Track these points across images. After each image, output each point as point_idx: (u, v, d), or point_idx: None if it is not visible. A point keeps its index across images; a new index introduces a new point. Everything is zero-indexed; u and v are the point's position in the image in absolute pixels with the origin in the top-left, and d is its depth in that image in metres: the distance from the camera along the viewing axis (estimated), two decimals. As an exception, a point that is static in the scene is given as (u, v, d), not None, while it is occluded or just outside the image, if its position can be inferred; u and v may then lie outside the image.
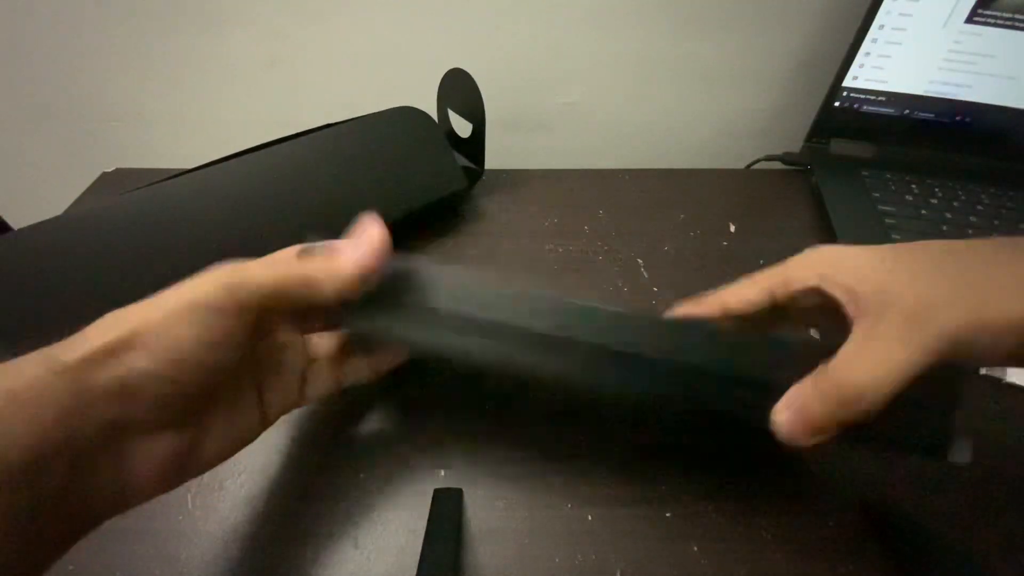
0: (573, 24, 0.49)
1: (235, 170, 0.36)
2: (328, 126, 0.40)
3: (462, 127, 0.44)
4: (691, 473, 0.28)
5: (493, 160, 0.45)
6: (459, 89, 0.41)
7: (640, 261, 0.41)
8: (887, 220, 0.42)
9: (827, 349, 0.20)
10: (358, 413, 0.30)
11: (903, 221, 0.41)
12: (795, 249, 0.23)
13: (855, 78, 0.45)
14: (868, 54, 0.44)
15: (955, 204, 0.43)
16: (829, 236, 0.42)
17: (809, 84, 0.50)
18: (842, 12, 0.46)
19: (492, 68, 0.43)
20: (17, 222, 0.33)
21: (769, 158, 0.50)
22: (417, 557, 0.23)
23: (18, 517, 0.15)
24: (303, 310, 0.24)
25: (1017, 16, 0.40)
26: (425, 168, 0.41)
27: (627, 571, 0.25)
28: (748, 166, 0.52)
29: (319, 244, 0.25)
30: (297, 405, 0.24)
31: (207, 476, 0.21)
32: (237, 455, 0.22)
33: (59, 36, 0.50)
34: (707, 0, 0.47)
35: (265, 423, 0.23)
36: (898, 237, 0.40)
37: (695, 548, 0.25)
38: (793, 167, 0.50)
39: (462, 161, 0.44)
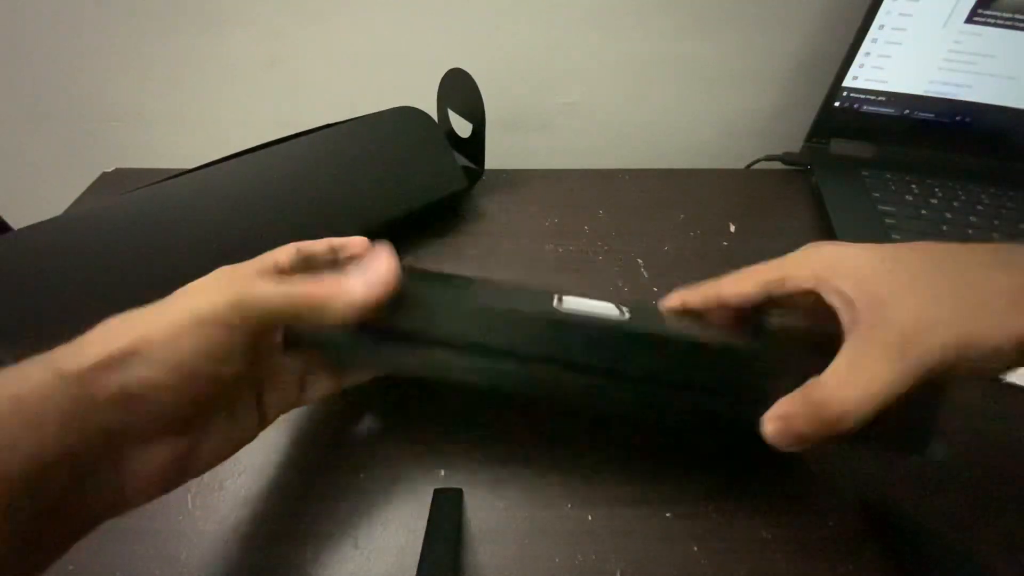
0: (573, 24, 0.49)
1: (235, 170, 0.36)
2: (328, 126, 0.40)
3: (462, 127, 0.44)
4: (691, 473, 0.28)
5: (493, 160, 0.45)
6: (459, 89, 0.41)
7: (640, 261, 0.41)
8: (887, 220, 0.42)
9: (817, 353, 0.21)
10: (358, 413, 0.30)
11: (903, 221, 0.41)
12: (795, 249, 0.23)
13: (855, 78, 0.45)
14: (868, 54, 0.44)
15: (955, 204, 0.43)
16: (829, 236, 0.42)
17: (809, 84, 0.50)
18: (842, 12, 0.46)
19: (492, 68, 0.43)
20: (17, 222, 0.33)
21: (769, 158, 0.50)
22: (417, 557, 0.23)
23: (18, 521, 0.15)
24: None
25: (1017, 16, 0.40)
26: (425, 168, 0.41)
27: (627, 571, 0.25)
28: (748, 166, 0.52)
29: (322, 244, 0.26)
30: (296, 405, 0.24)
31: (207, 476, 0.21)
32: (237, 455, 0.22)
33: (59, 36, 0.50)
34: (707, 0, 0.47)
35: (264, 423, 0.23)
36: (898, 237, 0.40)
37: (695, 548, 0.25)
38: (793, 167, 0.50)
39: (462, 161, 0.44)
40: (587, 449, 0.29)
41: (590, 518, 0.26)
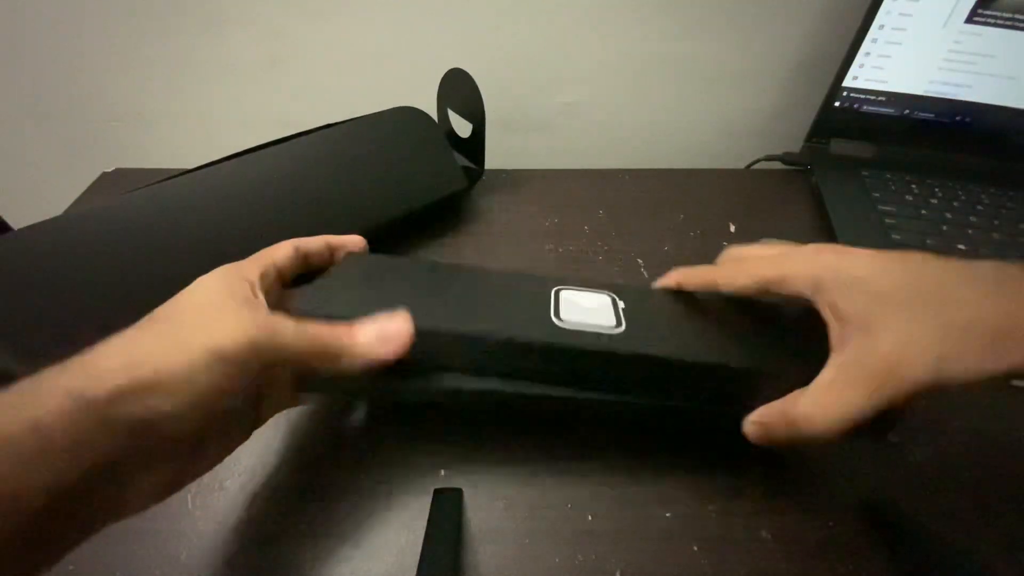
0: (573, 24, 0.49)
1: (235, 170, 0.36)
2: (328, 126, 0.40)
3: (462, 127, 0.44)
4: (691, 473, 0.28)
5: (493, 160, 0.45)
6: (459, 89, 0.41)
7: (640, 261, 0.41)
8: (887, 220, 0.42)
9: (806, 349, 0.23)
10: (358, 413, 0.30)
11: (903, 221, 0.41)
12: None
13: (855, 78, 0.45)
14: (868, 54, 0.44)
15: (955, 204, 0.43)
16: (829, 236, 0.42)
17: (809, 84, 0.50)
18: (842, 12, 0.46)
19: (492, 68, 0.43)
20: (17, 222, 0.33)
21: (769, 158, 0.50)
22: (417, 557, 0.23)
23: (21, 539, 0.15)
24: None
25: (1017, 16, 0.40)
26: (425, 168, 0.41)
27: (627, 571, 0.25)
28: (748, 166, 0.52)
29: (320, 242, 0.26)
30: (291, 406, 0.24)
31: (207, 476, 0.21)
32: (237, 455, 0.22)
33: (59, 36, 0.50)
34: (707, 0, 0.47)
35: (257, 423, 0.23)
36: (898, 237, 0.40)
37: (695, 548, 0.25)
38: (793, 167, 0.50)
39: (462, 161, 0.44)
40: (587, 449, 0.29)
41: (590, 518, 0.26)
